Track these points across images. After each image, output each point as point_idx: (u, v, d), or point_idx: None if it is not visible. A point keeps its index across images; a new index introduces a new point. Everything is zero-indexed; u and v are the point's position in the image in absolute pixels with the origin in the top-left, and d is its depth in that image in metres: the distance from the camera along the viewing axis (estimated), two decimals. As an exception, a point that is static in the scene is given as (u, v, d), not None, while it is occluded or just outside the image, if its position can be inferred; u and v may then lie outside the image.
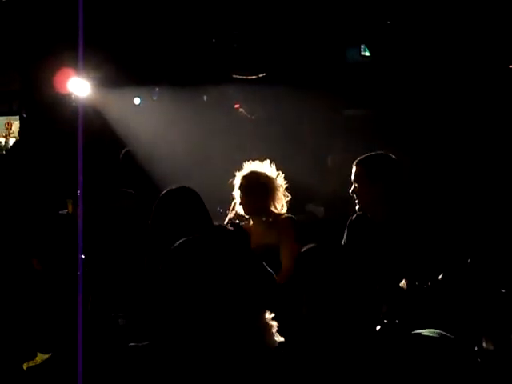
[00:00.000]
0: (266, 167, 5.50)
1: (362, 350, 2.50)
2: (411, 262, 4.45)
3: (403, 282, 4.34)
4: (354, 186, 4.81)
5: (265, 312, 2.48)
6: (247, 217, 5.52)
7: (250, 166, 5.53)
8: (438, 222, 4.87)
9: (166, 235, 4.00)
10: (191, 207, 4.18)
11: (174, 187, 4.38)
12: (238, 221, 5.58)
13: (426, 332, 2.58)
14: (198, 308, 2.36)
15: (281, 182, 5.48)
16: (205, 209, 4.29)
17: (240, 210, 5.52)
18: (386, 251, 4.54)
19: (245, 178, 5.48)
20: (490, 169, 8.80)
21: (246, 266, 2.47)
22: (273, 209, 5.44)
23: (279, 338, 2.61)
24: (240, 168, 6.10)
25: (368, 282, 2.63)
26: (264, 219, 5.44)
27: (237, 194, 5.52)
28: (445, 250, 4.67)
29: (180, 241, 2.49)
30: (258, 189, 5.43)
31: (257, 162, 5.53)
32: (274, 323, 2.53)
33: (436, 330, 2.59)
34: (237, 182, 5.53)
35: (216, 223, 4.89)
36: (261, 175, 5.46)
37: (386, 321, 2.79)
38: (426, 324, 2.76)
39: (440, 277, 4.30)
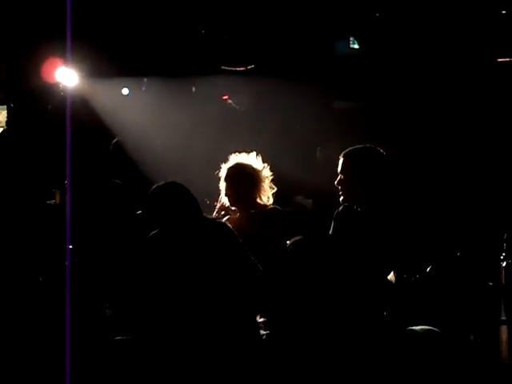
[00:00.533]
0: (252, 159, 5.50)
1: (352, 343, 2.49)
2: (399, 255, 4.45)
3: (392, 274, 4.34)
4: (340, 178, 4.82)
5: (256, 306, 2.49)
6: (233, 208, 5.52)
7: (235, 158, 5.53)
8: (426, 215, 4.88)
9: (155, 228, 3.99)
10: (182, 203, 4.16)
11: (162, 183, 4.35)
12: (223, 212, 5.58)
13: (418, 329, 2.58)
14: (170, 300, 2.36)
15: (267, 173, 5.48)
16: (196, 203, 4.28)
17: (226, 201, 5.52)
18: (374, 243, 4.54)
19: (230, 169, 5.48)
20: (478, 162, 8.83)
21: (226, 255, 2.46)
22: (258, 200, 5.45)
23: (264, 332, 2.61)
24: (226, 160, 6.10)
25: (357, 274, 2.62)
26: (249, 210, 5.44)
27: (222, 185, 5.52)
28: (433, 242, 4.67)
29: (156, 230, 2.49)
30: (243, 180, 5.43)
31: (243, 153, 5.54)
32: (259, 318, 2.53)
33: (427, 327, 2.59)
34: (222, 173, 5.53)
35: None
36: (246, 167, 5.46)
37: (374, 313, 2.78)
38: (415, 316, 2.77)
39: (428, 269, 4.31)
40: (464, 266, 4.44)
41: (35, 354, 3.57)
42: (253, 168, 5.47)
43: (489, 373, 3.74)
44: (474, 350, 3.86)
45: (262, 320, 2.63)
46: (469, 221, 6.71)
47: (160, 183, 4.32)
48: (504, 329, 4.17)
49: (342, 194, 4.81)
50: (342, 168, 4.81)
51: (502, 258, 4.42)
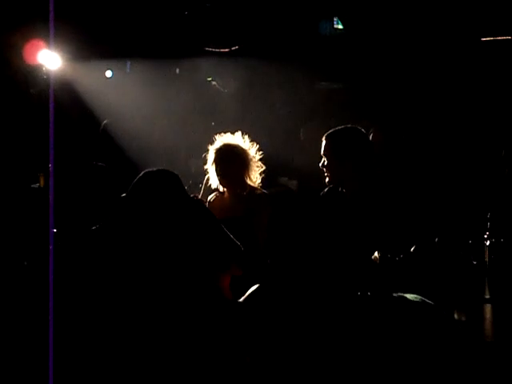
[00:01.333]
0: (239, 139, 5.49)
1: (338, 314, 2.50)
2: (383, 235, 4.46)
3: (376, 254, 4.36)
4: (323, 160, 4.82)
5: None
6: (221, 190, 5.51)
7: (222, 139, 5.52)
8: (410, 195, 4.89)
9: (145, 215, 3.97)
10: (170, 189, 4.14)
11: (153, 169, 4.31)
12: (212, 194, 5.57)
13: (409, 296, 2.59)
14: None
15: (254, 153, 5.48)
16: (183, 191, 4.26)
17: (214, 183, 5.51)
18: (358, 224, 4.55)
19: (219, 150, 5.47)
20: (463, 141, 8.85)
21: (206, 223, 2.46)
22: (248, 181, 5.45)
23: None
24: (212, 141, 6.08)
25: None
26: (239, 192, 5.44)
27: (211, 167, 5.50)
28: (417, 222, 4.69)
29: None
30: (233, 161, 5.43)
31: (228, 134, 5.52)
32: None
33: (418, 296, 2.61)
34: (210, 155, 5.51)
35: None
36: (235, 147, 5.45)
37: (358, 293, 2.79)
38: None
39: (412, 249, 4.33)
40: (448, 246, 4.46)
41: (20, 337, 3.57)
42: (241, 148, 5.46)
43: (473, 351, 3.76)
44: (459, 329, 3.87)
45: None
46: (453, 200, 6.72)
47: (151, 169, 4.29)
48: (488, 307, 4.19)
49: (326, 176, 4.81)
50: (324, 150, 4.83)
51: (485, 236, 4.44)
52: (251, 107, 9.98)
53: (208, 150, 6.50)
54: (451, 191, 7.08)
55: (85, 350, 2.54)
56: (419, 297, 2.62)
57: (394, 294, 2.57)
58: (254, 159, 5.48)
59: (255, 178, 5.48)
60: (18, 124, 9.35)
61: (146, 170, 4.24)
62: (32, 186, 6.90)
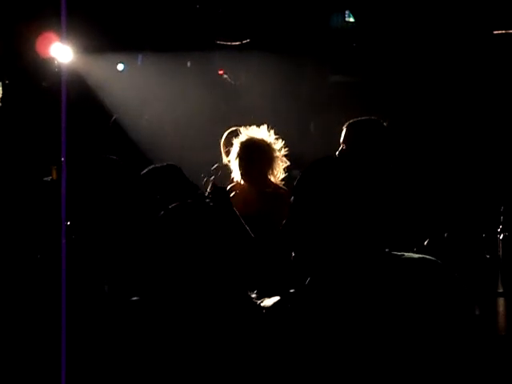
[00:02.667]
0: (264, 132, 5.32)
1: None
2: (397, 228, 4.46)
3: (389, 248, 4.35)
4: (342, 148, 4.79)
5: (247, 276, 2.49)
6: (242, 183, 5.34)
7: (248, 132, 5.33)
8: (424, 189, 4.88)
9: (154, 209, 3.97)
10: (176, 184, 4.12)
11: (160, 164, 4.29)
12: (230, 186, 5.41)
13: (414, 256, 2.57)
14: (183, 269, 2.37)
15: (279, 147, 5.33)
16: (190, 185, 4.24)
17: (237, 177, 5.34)
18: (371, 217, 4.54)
19: (246, 146, 5.27)
20: (477, 136, 8.83)
21: (233, 229, 2.47)
22: (271, 178, 5.29)
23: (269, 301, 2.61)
24: (221, 133, 6.01)
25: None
26: (261, 188, 5.28)
27: (235, 161, 5.33)
28: (431, 216, 4.68)
29: (169, 207, 2.49)
30: (258, 158, 5.22)
31: (254, 127, 5.36)
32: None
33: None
34: (235, 148, 5.34)
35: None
36: (261, 143, 5.27)
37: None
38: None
39: (426, 242, 4.32)
40: (461, 239, 4.45)
41: (33, 332, 3.57)
42: (268, 144, 5.28)
43: (486, 345, 3.76)
44: (472, 322, 3.87)
45: (254, 295, 2.64)
46: (466, 194, 6.71)
47: (155, 165, 4.27)
48: (501, 301, 4.19)
49: None
50: (343, 138, 4.79)
51: (499, 230, 4.43)
52: (262, 100, 9.96)
53: (219, 143, 6.47)
54: (464, 185, 7.08)
55: (99, 348, 2.53)
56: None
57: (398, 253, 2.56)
58: (279, 155, 5.33)
59: (279, 174, 5.34)
60: (30, 117, 9.38)
61: (152, 166, 4.23)
62: (44, 178, 6.90)
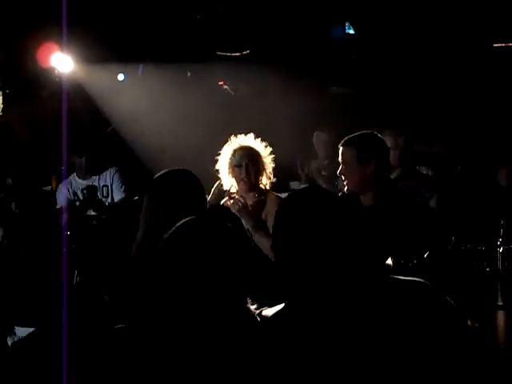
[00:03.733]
0: (253, 141, 5.42)
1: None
2: (397, 240, 4.46)
3: (389, 259, 4.35)
4: (342, 167, 4.78)
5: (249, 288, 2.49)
6: (234, 193, 5.43)
7: (238, 141, 5.42)
8: (425, 202, 4.89)
9: (162, 215, 3.96)
10: (190, 190, 4.11)
11: (173, 168, 4.28)
12: (225, 198, 5.49)
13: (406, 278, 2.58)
14: (190, 292, 2.36)
15: (268, 155, 5.42)
16: (203, 192, 4.24)
17: (228, 185, 5.42)
18: (373, 231, 4.55)
19: (245, 153, 5.35)
20: (474, 147, 8.83)
21: (239, 249, 2.47)
22: (261, 184, 5.40)
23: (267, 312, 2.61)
24: (221, 145, 6.02)
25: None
26: (256, 195, 5.37)
27: (227, 169, 5.39)
28: (431, 228, 4.68)
29: (180, 223, 2.49)
30: (257, 165, 5.35)
31: (242, 136, 5.45)
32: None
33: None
34: (226, 157, 5.40)
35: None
36: (256, 151, 5.38)
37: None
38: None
39: (426, 255, 4.32)
40: (461, 252, 4.45)
41: (34, 343, 3.57)
42: (258, 151, 5.39)
43: (485, 358, 3.75)
44: (471, 335, 3.86)
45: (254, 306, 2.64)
46: (466, 207, 6.71)
47: (169, 169, 4.26)
48: (501, 314, 4.18)
49: (346, 184, 4.79)
50: (344, 156, 4.79)
51: (498, 243, 4.43)
52: (261, 111, 9.97)
53: (219, 153, 6.47)
54: (464, 198, 7.07)
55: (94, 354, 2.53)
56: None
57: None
58: (268, 162, 5.43)
59: (267, 181, 5.43)
60: (31, 126, 9.38)
61: (167, 170, 4.22)
62: (44, 188, 6.91)
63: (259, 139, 5.47)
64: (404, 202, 4.64)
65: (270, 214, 5.24)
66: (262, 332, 2.49)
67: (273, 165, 5.45)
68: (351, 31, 11.15)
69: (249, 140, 5.43)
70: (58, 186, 7.01)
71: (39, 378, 3.44)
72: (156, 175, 4.19)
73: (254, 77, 10.28)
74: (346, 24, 11.08)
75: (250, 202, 5.40)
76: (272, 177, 5.44)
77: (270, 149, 5.45)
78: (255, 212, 5.32)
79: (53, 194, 6.88)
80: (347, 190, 4.79)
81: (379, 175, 4.69)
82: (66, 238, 4.39)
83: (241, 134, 5.54)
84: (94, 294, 4.24)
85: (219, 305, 2.38)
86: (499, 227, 4.56)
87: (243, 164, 5.34)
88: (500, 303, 4.24)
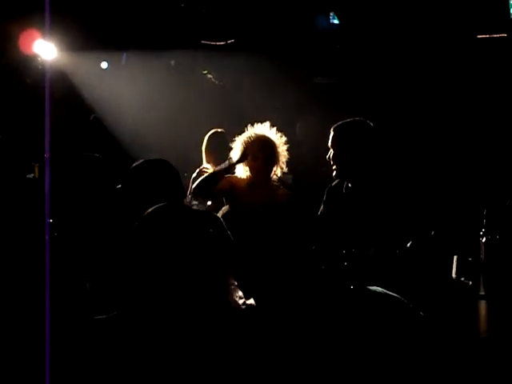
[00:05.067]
0: (269, 130, 5.38)
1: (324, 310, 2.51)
2: (380, 230, 4.47)
3: (372, 249, 4.36)
4: (330, 152, 4.82)
5: (229, 275, 2.49)
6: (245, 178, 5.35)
7: (256, 131, 5.36)
8: (407, 190, 4.90)
9: (139, 204, 3.94)
10: (168, 179, 4.10)
11: (150, 158, 4.26)
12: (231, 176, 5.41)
13: (372, 288, 2.60)
14: (166, 272, 2.35)
15: (283, 144, 5.40)
16: (180, 182, 4.23)
17: (242, 174, 5.36)
18: (356, 218, 4.56)
19: (262, 145, 5.31)
20: (459, 138, 8.86)
21: (214, 231, 2.46)
22: (274, 175, 5.36)
23: (249, 301, 2.61)
24: (204, 133, 5.98)
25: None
26: (266, 184, 5.32)
27: (249, 160, 5.32)
28: (414, 218, 4.69)
29: (151, 208, 2.47)
30: (273, 156, 5.31)
31: (259, 125, 5.39)
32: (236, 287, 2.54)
33: (379, 288, 2.62)
34: (248, 147, 5.34)
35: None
36: (273, 142, 5.34)
37: (352, 287, 2.79)
38: (393, 291, 2.78)
39: (408, 245, 4.33)
40: (444, 242, 4.47)
41: (15, 330, 3.55)
42: (276, 141, 5.36)
43: (467, 347, 3.77)
44: (453, 325, 3.88)
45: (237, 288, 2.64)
46: (449, 197, 6.73)
47: (146, 159, 4.24)
48: (483, 304, 4.20)
49: (334, 169, 4.81)
50: (331, 142, 4.81)
51: (481, 233, 4.45)
52: (246, 101, 9.96)
53: (202, 142, 6.46)
54: (448, 188, 7.09)
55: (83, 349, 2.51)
56: (380, 289, 2.64)
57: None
58: (283, 152, 5.39)
59: (280, 171, 5.40)
60: (13, 114, 9.32)
61: (143, 160, 4.19)
62: (27, 176, 6.87)
63: (274, 129, 5.40)
64: (385, 189, 4.65)
65: (284, 203, 5.21)
66: (243, 321, 2.49)
67: (287, 155, 5.40)
68: (336, 21, 11.15)
69: (265, 129, 5.37)
70: (40, 173, 6.99)
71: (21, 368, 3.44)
72: (133, 165, 4.17)
73: (239, 66, 10.27)
74: (331, 14, 11.07)
75: (260, 192, 5.34)
76: (284, 167, 5.40)
77: (284, 138, 5.40)
78: (265, 199, 5.27)
79: (36, 182, 6.85)
80: (334, 175, 4.81)
81: (360, 161, 4.70)
82: (49, 226, 4.37)
83: (223, 124, 5.52)
84: (76, 282, 4.23)
85: (195, 292, 2.37)
86: (482, 217, 4.58)
87: (260, 155, 5.30)
88: (482, 293, 4.26)
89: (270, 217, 2.88)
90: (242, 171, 5.38)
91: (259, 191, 5.34)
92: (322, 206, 4.96)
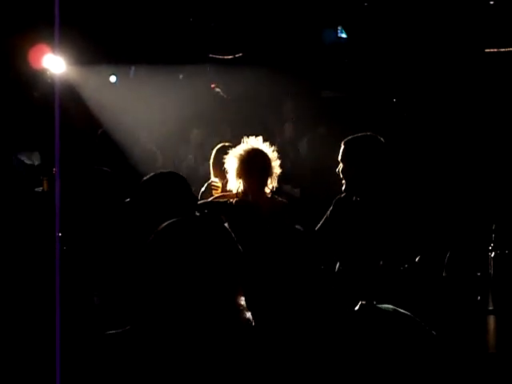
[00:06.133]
0: (263, 144, 5.38)
1: (334, 329, 2.51)
2: (389, 244, 4.46)
3: (380, 263, 4.35)
4: (340, 166, 4.82)
5: (240, 292, 2.48)
6: (239, 194, 5.35)
7: (250, 144, 5.37)
8: (416, 205, 4.90)
9: (150, 218, 3.94)
10: (179, 192, 4.09)
11: (162, 171, 4.25)
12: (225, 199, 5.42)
13: (383, 306, 2.60)
14: (180, 289, 2.35)
15: (276, 160, 5.39)
16: (192, 195, 4.22)
17: (235, 188, 5.36)
18: (365, 232, 4.56)
19: (257, 158, 5.31)
20: (467, 152, 8.85)
21: (228, 248, 2.46)
22: (267, 188, 5.36)
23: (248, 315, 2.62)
24: (212, 147, 5.97)
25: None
26: (260, 198, 5.32)
27: (243, 173, 5.32)
28: (423, 232, 4.69)
29: (166, 223, 2.47)
30: (267, 169, 5.32)
31: (252, 138, 5.39)
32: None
33: (390, 306, 2.61)
34: (243, 161, 5.35)
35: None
36: (267, 155, 5.34)
37: (363, 302, 2.79)
38: (402, 306, 2.78)
39: (417, 259, 4.32)
40: (452, 257, 4.46)
41: (25, 346, 3.56)
42: (270, 155, 5.36)
43: (476, 363, 3.76)
44: (461, 340, 3.88)
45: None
46: (458, 211, 6.72)
47: (158, 172, 4.23)
48: (491, 319, 4.19)
49: (343, 183, 4.81)
50: (341, 156, 4.82)
51: (490, 248, 4.44)
52: (254, 114, 9.98)
53: (211, 156, 6.46)
54: (457, 202, 7.08)
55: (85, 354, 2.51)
56: (391, 306, 2.63)
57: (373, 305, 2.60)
58: (276, 166, 5.39)
59: (273, 184, 5.40)
60: (22, 127, 9.36)
61: (154, 173, 4.19)
62: (36, 189, 6.89)
63: (267, 143, 5.41)
64: (393, 203, 4.65)
65: (277, 215, 5.20)
66: (254, 334, 2.49)
67: (280, 169, 5.41)
68: (343, 35, 11.18)
69: (258, 143, 5.38)
70: (49, 187, 7.00)
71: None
72: (144, 178, 4.16)
73: (247, 80, 10.29)
74: (339, 28, 11.10)
75: (263, 205, 5.33)
76: (276, 180, 5.40)
77: (276, 154, 5.40)
78: (267, 214, 5.26)
79: (44, 196, 6.86)
80: (344, 189, 4.82)
81: (369, 176, 4.70)
82: (59, 239, 4.38)
83: (233, 137, 5.53)
84: (85, 296, 4.23)
85: (208, 306, 2.37)
86: (491, 232, 4.57)
87: (255, 168, 5.30)
88: (491, 308, 4.25)
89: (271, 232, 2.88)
90: (236, 185, 5.38)
91: (267, 208, 5.33)
92: (327, 214, 4.96)
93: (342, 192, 4.89)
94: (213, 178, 6.55)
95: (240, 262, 2.50)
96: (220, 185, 6.20)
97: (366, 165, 4.69)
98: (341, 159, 4.81)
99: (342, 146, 4.82)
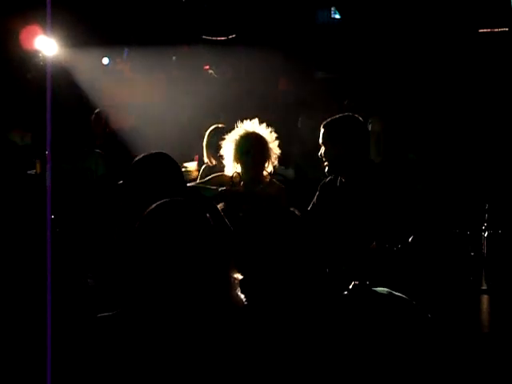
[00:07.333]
0: (259, 127, 5.35)
1: (326, 310, 2.51)
2: (381, 224, 4.47)
3: (373, 244, 4.36)
4: (322, 149, 4.83)
5: (231, 269, 2.49)
6: (236, 178, 5.32)
7: (245, 127, 5.33)
8: (408, 186, 4.90)
9: (140, 199, 3.94)
10: (169, 173, 4.08)
11: (150, 152, 4.24)
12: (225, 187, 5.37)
13: (378, 289, 2.60)
14: (169, 268, 2.35)
15: (274, 142, 5.36)
16: (181, 176, 4.21)
17: (231, 171, 5.32)
18: (355, 214, 4.56)
19: (252, 141, 5.27)
20: (461, 132, 8.85)
21: (217, 226, 2.46)
22: (265, 171, 5.33)
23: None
24: (206, 128, 5.95)
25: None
26: (258, 184, 5.29)
27: (239, 157, 5.29)
28: (415, 212, 4.69)
29: (156, 204, 2.47)
30: (264, 152, 5.28)
31: (248, 121, 5.36)
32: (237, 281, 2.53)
33: (385, 289, 2.62)
34: (238, 144, 5.31)
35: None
36: (264, 138, 5.30)
37: (356, 282, 2.79)
38: (395, 286, 2.78)
39: (410, 239, 4.33)
40: (445, 237, 4.46)
41: (16, 327, 3.55)
42: (269, 139, 5.32)
43: (469, 342, 3.77)
44: (455, 320, 3.88)
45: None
46: (451, 191, 6.73)
47: (147, 153, 4.22)
48: (485, 298, 4.20)
49: (326, 165, 4.81)
50: (322, 139, 4.83)
51: (483, 228, 4.45)
52: (247, 95, 9.95)
53: (203, 137, 6.44)
54: (450, 182, 7.09)
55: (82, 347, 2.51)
56: (386, 289, 2.63)
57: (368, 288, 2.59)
58: (274, 148, 5.36)
59: (271, 167, 5.37)
60: (14, 109, 9.32)
61: (144, 154, 4.18)
62: (28, 172, 6.87)
63: (264, 124, 5.37)
64: (385, 184, 4.66)
65: (274, 199, 5.18)
66: (246, 317, 2.48)
67: (278, 151, 5.38)
68: (337, 16, 11.15)
69: (255, 126, 5.34)
70: (42, 169, 6.99)
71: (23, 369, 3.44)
72: (134, 159, 4.15)
73: (240, 61, 10.26)
74: (332, 8, 11.07)
75: (251, 189, 5.30)
76: (276, 162, 5.37)
77: (275, 134, 5.37)
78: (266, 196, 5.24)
79: (37, 178, 6.85)
80: (326, 172, 4.82)
81: (356, 157, 4.70)
82: (51, 222, 4.36)
83: (226, 119, 5.50)
84: (79, 278, 4.23)
85: (198, 287, 2.37)
86: (484, 212, 4.58)
87: (251, 152, 5.26)
88: (484, 287, 4.26)
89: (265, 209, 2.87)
90: (232, 168, 5.34)
91: (252, 188, 5.30)
92: (314, 200, 4.96)
93: (326, 175, 4.89)
94: (206, 160, 6.55)
95: (229, 241, 2.50)
96: (194, 169, 6.23)
97: (348, 145, 4.70)
98: (322, 142, 4.81)
99: (322, 130, 4.82)
